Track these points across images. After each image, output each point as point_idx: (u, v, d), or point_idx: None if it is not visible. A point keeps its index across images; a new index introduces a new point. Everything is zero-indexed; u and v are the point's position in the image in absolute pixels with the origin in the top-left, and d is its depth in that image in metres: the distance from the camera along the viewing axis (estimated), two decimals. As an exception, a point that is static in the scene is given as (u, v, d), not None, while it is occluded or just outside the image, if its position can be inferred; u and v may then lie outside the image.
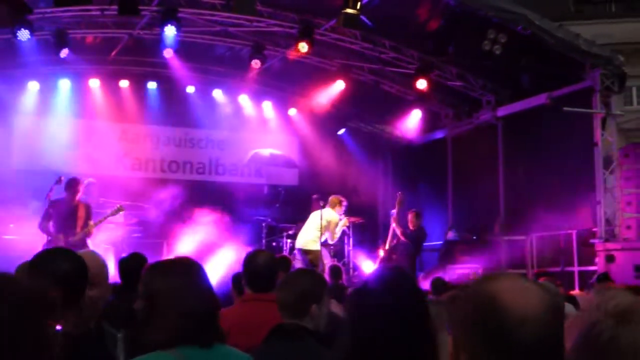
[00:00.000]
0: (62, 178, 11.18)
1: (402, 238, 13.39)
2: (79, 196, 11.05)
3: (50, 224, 10.77)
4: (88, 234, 10.91)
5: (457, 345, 1.67)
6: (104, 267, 3.59)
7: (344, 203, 12.97)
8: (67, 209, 10.81)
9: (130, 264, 6.52)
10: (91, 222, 10.94)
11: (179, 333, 2.74)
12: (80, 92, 15.20)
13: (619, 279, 10.27)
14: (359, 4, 11.06)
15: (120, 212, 11.90)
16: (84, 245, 10.78)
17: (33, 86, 14.77)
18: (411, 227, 13.92)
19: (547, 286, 1.83)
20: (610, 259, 11.25)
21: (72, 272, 3.08)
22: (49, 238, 10.66)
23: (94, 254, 3.64)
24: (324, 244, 12.85)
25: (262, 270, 4.70)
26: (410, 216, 14.31)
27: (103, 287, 3.48)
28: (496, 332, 1.61)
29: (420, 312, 2.68)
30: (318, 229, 12.52)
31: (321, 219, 12.46)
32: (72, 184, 10.97)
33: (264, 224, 14.52)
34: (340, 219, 12.92)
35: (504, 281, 1.70)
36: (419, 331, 2.60)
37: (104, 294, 3.53)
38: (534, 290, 1.68)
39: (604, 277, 9.49)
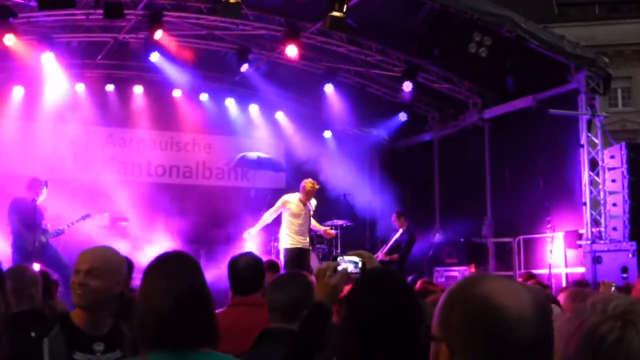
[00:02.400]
0: (47, 182, 11.12)
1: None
2: (41, 197, 10.91)
3: (15, 223, 10.71)
4: (57, 235, 10.94)
5: (451, 349, 1.65)
6: (110, 261, 3.42)
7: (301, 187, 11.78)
8: (31, 208, 10.69)
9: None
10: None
11: (147, 334, 2.62)
12: (66, 97, 15.09)
13: (606, 280, 10.29)
14: (345, 6, 11.07)
15: (86, 219, 11.88)
16: (50, 247, 10.82)
17: (18, 91, 14.67)
18: (400, 229, 13.99)
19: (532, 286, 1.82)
20: (597, 260, 11.30)
21: None
22: (15, 238, 10.61)
23: (106, 249, 3.57)
24: (314, 249, 12.74)
25: (243, 274, 4.70)
26: (394, 217, 14.36)
27: (105, 280, 3.33)
28: (493, 333, 1.60)
29: (413, 315, 2.68)
30: (283, 221, 11.88)
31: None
32: (34, 185, 10.87)
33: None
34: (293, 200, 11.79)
35: (494, 282, 1.68)
36: (412, 333, 2.60)
37: (108, 287, 3.34)
38: (523, 290, 1.67)
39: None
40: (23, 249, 10.35)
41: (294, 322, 3.70)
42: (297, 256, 11.57)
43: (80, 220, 11.71)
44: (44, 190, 10.89)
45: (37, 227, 10.67)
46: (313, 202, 11.90)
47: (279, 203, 11.90)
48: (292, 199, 11.80)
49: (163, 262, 2.86)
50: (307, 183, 11.72)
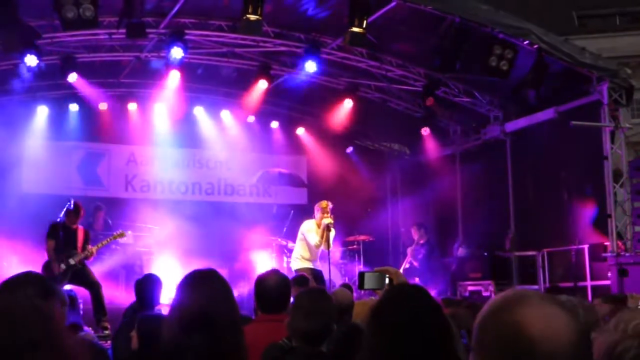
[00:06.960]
0: (72, 201, 11.31)
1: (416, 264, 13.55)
2: (80, 221, 11.28)
3: (46, 246, 10.96)
4: (88, 257, 11.04)
5: None
6: None
7: (317, 208, 11.82)
8: (67, 232, 10.99)
9: (144, 285, 6.52)
10: (89, 247, 11.06)
11: (170, 348, 2.67)
12: (89, 116, 15.25)
13: (633, 292, 10.18)
14: (365, 22, 11.09)
15: (121, 238, 11.98)
16: (84, 267, 10.95)
17: (42, 110, 14.82)
18: (421, 241, 13.97)
19: (571, 307, 1.68)
20: (623, 273, 11.18)
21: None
22: (48, 259, 10.84)
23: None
24: (334, 263, 12.71)
25: (272, 292, 4.67)
26: (413, 230, 14.34)
27: None
28: None
29: (440, 329, 2.67)
30: (298, 245, 11.95)
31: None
32: (76, 209, 11.18)
33: (273, 244, 14.49)
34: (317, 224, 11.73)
35: (530, 307, 1.60)
36: (439, 348, 2.59)
37: None
38: (563, 318, 1.57)
39: None
40: (49, 271, 10.52)
41: (323, 342, 3.67)
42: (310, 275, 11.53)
43: (116, 238, 11.87)
44: (68, 210, 11.08)
45: (68, 248, 10.85)
46: (332, 233, 11.77)
47: (300, 235, 11.81)
48: (310, 228, 11.72)
49: (190, 278, 2.90)
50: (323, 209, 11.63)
